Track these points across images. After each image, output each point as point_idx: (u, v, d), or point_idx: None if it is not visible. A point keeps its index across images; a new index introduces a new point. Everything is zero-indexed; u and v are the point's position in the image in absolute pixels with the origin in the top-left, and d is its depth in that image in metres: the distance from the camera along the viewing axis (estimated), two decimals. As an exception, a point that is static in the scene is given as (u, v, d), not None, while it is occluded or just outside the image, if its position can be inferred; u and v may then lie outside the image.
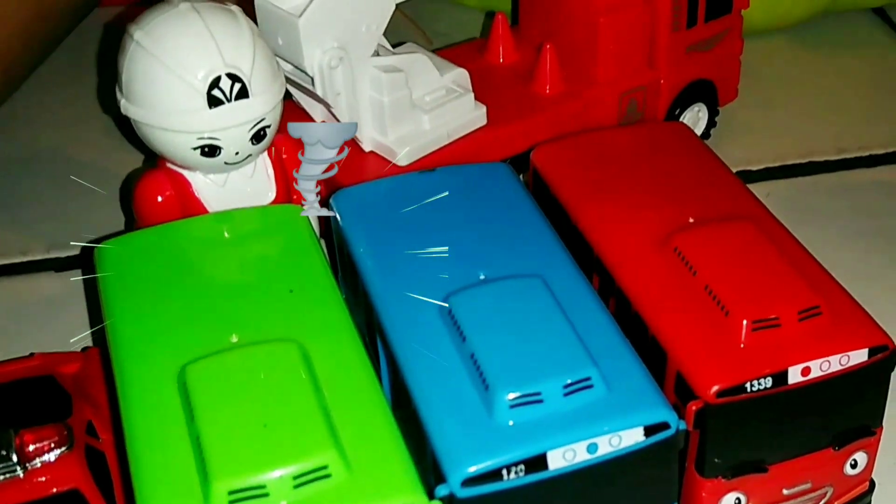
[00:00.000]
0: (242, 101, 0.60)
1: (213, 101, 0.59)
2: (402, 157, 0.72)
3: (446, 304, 0.55)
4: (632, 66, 0.82)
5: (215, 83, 0.59)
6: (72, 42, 0.89)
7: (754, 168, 0.88)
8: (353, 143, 0.73)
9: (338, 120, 0.72)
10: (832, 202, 0.84)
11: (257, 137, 0.61)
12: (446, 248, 0.59)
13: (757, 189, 0.84)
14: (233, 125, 0.60)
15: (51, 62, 0.87)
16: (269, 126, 0.62)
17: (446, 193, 0.63)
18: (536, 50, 0.81)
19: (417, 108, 0.73)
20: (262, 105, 0.61)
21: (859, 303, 0.59)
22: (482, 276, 0.57)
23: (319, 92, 0.69)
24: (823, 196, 0.85)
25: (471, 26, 1.01)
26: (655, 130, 0.72)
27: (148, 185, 0.63)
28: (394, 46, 0.76)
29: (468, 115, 0.75)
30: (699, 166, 0.68)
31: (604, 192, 0.66)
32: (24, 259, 0.78)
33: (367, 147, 0.73)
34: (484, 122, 0.76)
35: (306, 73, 0.69)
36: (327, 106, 0.71)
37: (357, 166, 0.72)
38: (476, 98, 0.76)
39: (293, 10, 0.67)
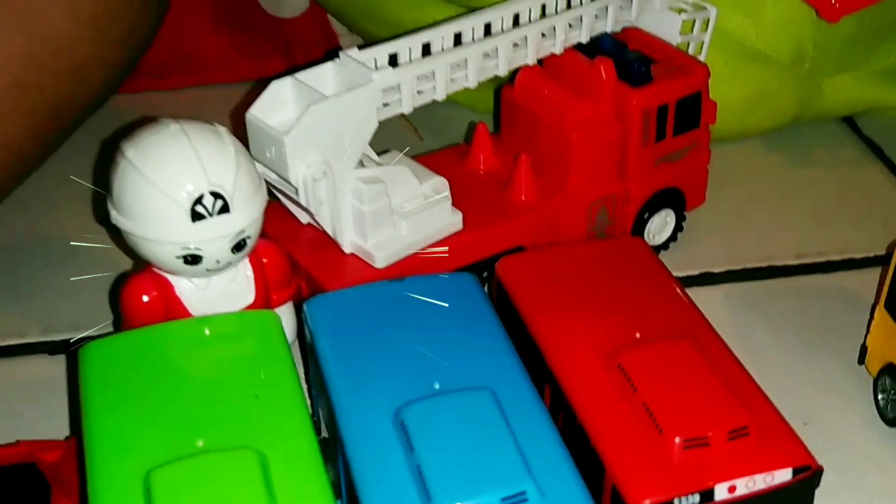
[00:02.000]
0: (224, 216, 0.61)
1: (196, 217, 0.61)
2: (380, 261, 0.73)
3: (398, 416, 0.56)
4: (602, 177, 0.83)
5: (198, 200, 0.61)
6: (81, 137, 0.91)
7: (716, 270, 0.88)
8: (334, 245, 0.75)
9: (320, 225, 0.74)
10: (788, 306, 0.85)
11: (238, 247, 0.63)
12: (406, 358, 0.60)
13: (717, 291, 0.86)
14: (214, 238, 0.62)
15: (59, 154, 0.89)
16: (249, 237, 0.63)
17: (412, 303, 0.64)
18: (514, 158, 0.82)
19: (396, 215, 0.74)
20: (243, 218, 0.62)
21: (787, 422, 0.60)
22: (437, 387, 0.59)
23: (303, 202, 0.71)
24: (780, 300, 0.85)
25: (461, 123, 1.02)
26: (614, 246, 0.74)
27: (134, 287, 0.65)
28: (380, 153, 0.78)
29: (445, 221, 0.76)
30: (651, 282, 0.70)
31: (560, 305, 0.67)
32: (21, 341, 0.79)
33: (347, 249, 0.74)
34: (459, 227, 0.77)
35: (291, 185, 0.70)
36: (311, 214, 0.72)
37: (338, 267, 0.74)
38: (455, 203, 0.78)
39: (280, 128, 0.69)
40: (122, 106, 1.01)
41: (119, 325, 0.67)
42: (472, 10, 0.87)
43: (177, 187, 0.60)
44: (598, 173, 0.83)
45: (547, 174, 0.82)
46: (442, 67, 0.75)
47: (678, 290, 0.70)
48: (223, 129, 0.64)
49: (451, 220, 0.77)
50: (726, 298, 0.85)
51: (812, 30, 0.97)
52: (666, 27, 0.89)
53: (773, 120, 1.03)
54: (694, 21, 0.90)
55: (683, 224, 0.90)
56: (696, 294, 0.83)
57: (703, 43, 0.91)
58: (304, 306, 0.65)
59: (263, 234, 0.69)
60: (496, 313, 0.65)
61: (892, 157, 1.04)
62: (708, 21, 0.90)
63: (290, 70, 0.73)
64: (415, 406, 0.56)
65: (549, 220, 0.81)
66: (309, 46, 1.11)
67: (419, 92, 0.75)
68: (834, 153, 1.05)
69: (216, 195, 0.61)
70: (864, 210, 0.97)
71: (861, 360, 0.77)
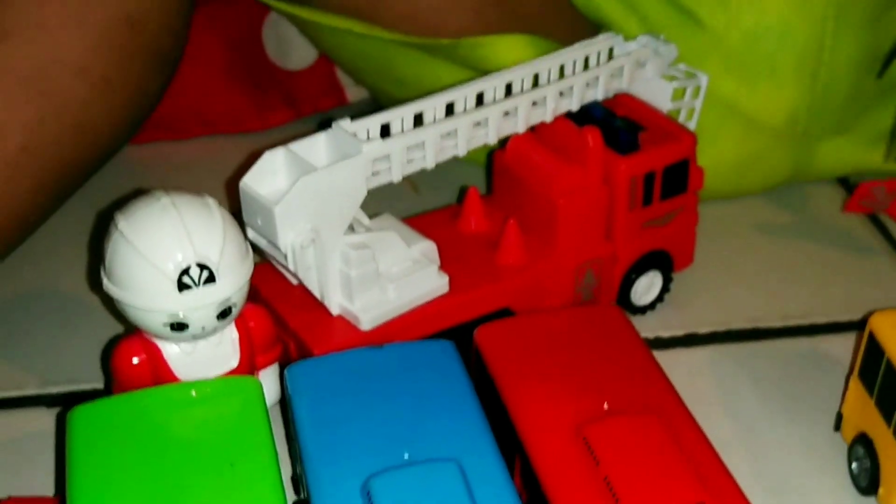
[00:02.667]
0: (209, 286, 0.64)
1: (183, 287, 0.64)
2: (366, 323, 0.76)
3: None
4: (589, 240, 0.86)
5: (185, 271, 0.63)
6: (87, 189, 0.94)
7: (701, 331, 0.90)
8: (323, 307, 0.77)
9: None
10: (772, 369, 0.86)
11: (223, 315, 0.66)
12: (380, 427, 0.63)
13: (701, 352, 0.87)
14: (200, 306, 0.64)
15: (64, 208, 0.91)
16: (234, 304, 0.66)
17: (390, 371, 0.67)
18: (504, 221, 0.84)
19: (384, 278, 0.76)
20: (228, 287, 0.65)
21: (748, 498, 0.62)
22: (407, 457, 0.61)
23: (291, 267, 0.73)
24: (764, 362, 0.87)
25: (459, 177, 1.04)
26: (592, 315, 0.76)
27: (124, 350, 0.68)
28: (372, 216, 0.80)
29: (431, 284, 0.79)
30: (624, 352, 0.72)
31: (534, 375, 0.69)
32: (19, 393, 0.82)
33: (334, 311, 0.77)
34: (446, 290, 0.80)
35: (280, 251, 0.73)
36: (299, 278, 0.75)
37: (325, 329, 0.76)
38: (444, 264, 0.80)
39: (271, 197, 0.72)
40: (130, 156, 1.03)
41: (110, 385, 0.69)
42: (475, 69, 0.90)
43: (165, 259, 0.63)
44: (585, 237, 0.85)
45: (536, 237, 0.85)
46: (432, 138, 0.78)
47: (651, 360, 0.71)
48: (212, 201, 0.66)
49: (437, 284, 0.79)
50: (710, 359, 0.87)
51: (806, 96, 0.99)
52: (657, 94, 0.91)
53: (767, 181, 1.05)
54: (685, 88, 0.92)
55: (671, 285, 0.92)
56: (681, 355, 0.86)
57: (694, 109, 0.93)
58: (285, 372, 0.67)
59: (253, 296, 0.71)
60: (472, 382, 0.68)
61: (883, 219, 1.05)
62: (699, 88, 0.92)
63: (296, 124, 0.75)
64: (382, 477, 0.59)
65: (535, 283, 0.84)
66: (316, 98, 1.14)
67: (409, 161, 0.78)
68: (825, 214, 1.06)
69: (202, 266, 0.64)
70: (853, 273, 0.98)
71: (837, 427, 0.78)
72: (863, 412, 0.75)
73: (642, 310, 0.91)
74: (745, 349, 0.89)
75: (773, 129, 1.00)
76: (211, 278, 0.64)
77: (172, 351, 0.67)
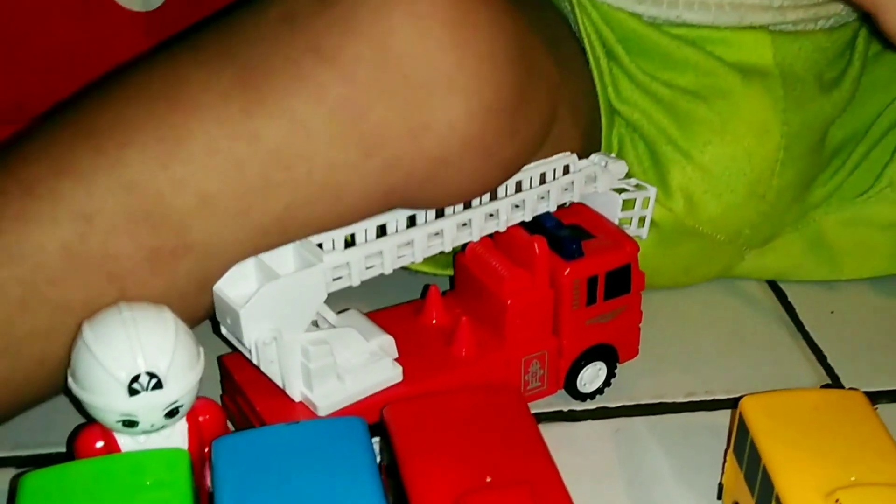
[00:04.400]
0: (157, 391, 0.61)
1: (133, 392, 0.61)
2: (323, 409, 0.72)
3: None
4: (536, 335, 0.81)
5: (135, 379, 0.61)
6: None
7: (611, 405, 0.86)
8: (283, 395, 0.73)
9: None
10: (672, 441, 0.82)
11: (170, 414, 0.63)
12: (285, 499, 0.60)
13: (610, 425, 0.83)
14: (148, 408, 0.62)
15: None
16: (181, 406, 0.63)
17: (304, 446, 0.64)
18: (459, 317, 0.80)
19: (341, 369, 0.73)
20: (175, 392, 0.62)
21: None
22: None
23: (255, 361, 0.71)
24: (666, 435, 0.82)
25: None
26: (490, 396, 0.71)
27: (86, 437, 0.65)
28: (339, 312, 0.77)
29: (386, 374, 0.75)
30: (514, 430, 0.67)
31: (429, 449, 0.65)
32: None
33: (296, 398, 0.73)
34: (400, 379, 0.76)
35: (246, 347, 0.70)
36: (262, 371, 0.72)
37: (287, 413, 0.73)
38: (402, 356, 0.76)
39: (238, 300, 0.69)
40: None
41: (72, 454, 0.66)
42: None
43: (118, 368, 0.61)
44: (531, 332, 0.81)
45: (488, 331, 0.81)
46: (389, 248, 0.74)
47: (537, 437, 0.67)
48: (169, 314, 0.64)
49: (392, 374, 0.75)
50: (617, 432, 0.83)
51: (752, 215, 0.95)
52: (608, 204, 0.87)
53: (702, 279, 1.01)
54: (635, 199, 0.87)
55: (615, 374, 0.87)
56: (591, 427, 0.83)
57: (644, 218, 0.88)
58: (212, 445, 0.64)
59: (228, 381, 0.70)
60: (374, 457, 0.64)
61: (793, 302, 1.00)
62: (648, 199, 0.87)
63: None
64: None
65: (484, 373, 0.79)
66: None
67: (368, 267, 0.74)
68: (745, 302, 1.00)
69: (151, 374, 0.61)
70: (760, 356, 0.92)
71: (719, 497, 0.75)
72: (735, 484, 0.71)
73: (591, 395, 0.86)
74: (650, 423, 0.84)
75: (718, 240, 0.96)
76: (158, 385, 0.61)
77: (127, 440, 0.64)
